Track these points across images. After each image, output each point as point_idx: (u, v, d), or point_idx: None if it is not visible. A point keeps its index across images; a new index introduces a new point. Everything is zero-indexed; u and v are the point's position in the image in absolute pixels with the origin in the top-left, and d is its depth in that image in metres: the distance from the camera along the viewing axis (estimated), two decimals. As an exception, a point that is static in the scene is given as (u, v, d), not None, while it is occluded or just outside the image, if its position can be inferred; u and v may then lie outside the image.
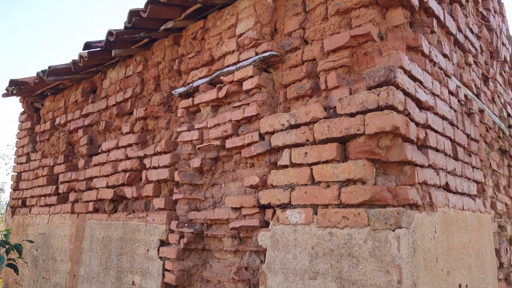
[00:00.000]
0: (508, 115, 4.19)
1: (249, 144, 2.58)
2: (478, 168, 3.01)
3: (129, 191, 3.34)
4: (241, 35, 2.79)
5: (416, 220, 2.00)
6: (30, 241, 4.11)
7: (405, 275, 1.85)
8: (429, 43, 2.41)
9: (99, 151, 3.82)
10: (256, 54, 2.63)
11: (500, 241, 3.49)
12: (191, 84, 3.05)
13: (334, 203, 2.09)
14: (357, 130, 2.02)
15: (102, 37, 3.46)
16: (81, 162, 3.98)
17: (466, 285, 2.53)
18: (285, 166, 2.35)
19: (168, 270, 2.86)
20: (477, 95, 3.20)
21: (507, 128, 4.13)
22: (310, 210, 2.18)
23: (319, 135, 2.17)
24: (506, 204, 3.79)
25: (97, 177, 3.70)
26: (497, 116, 3.72)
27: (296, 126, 2.31)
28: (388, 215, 1.90)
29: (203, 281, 2.80)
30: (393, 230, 1.88)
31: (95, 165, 3.79)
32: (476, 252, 2.76)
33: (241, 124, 2.70)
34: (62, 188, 4.15)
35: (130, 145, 3.45)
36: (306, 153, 2.23)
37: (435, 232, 2.21)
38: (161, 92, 3.41)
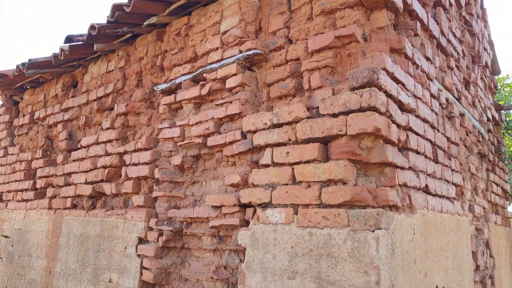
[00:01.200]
0: (488, 119, 4.26)
1: (231, 143, 2.55)
2: (457, 171, 3.05)
3: (108, 188, 3.27)
4: (225, 32, 2.76)
5: (395, 222, 2.01)
6: (6, 237, 3.99)
7: (384, 276, 1.86)
8: (412, 45, 2.43)
9: (79, 146, 3.74)
10: (240, 52, 2.61)
11: (477, 244, 3.55)
12: (173, 81, 3.01)
13: (314, 203, 2.08)
14: (339, 131, 2.02)
15: (85, 31, 3.39)
16: (59, 157, 3.89)
17: (443, 287, 2.56)
18: (267, 165, 2.33)
19: (146, 268, 2.81)
20: (458, 99, 3.24)
21: (487, 133, 4.21)
22: (290, 210, 2.17)
23: (301, 134, 2.16)
24: (483, 208, 3.86)
25: (75, 172, 3.62)
26: (477, 121, 3.78)
27: (279, 125, 2.30)
28: (368, 216, 1.91)
29: (181, 280, 2.76)
30: (373, 231, 1.88)
31: (74, 160, 3.71)
32: (453, 254, 2.79)
33: (224, 122, 2.67)
34: (40, 183, 4.05)
35: (110, 141, 3.39)
36: (288, 152, 2.22)
37: (414, 233, 2.22)
38: (143, 88, 3.35)
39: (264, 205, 2.31)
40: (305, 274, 2.05)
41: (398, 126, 2.18)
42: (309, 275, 2.03)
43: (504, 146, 4.92)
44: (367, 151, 2.04)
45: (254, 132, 2.41)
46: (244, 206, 2.46)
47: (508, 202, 5.06)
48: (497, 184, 4.48)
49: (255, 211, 2.37)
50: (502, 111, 5.04)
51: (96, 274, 3.17)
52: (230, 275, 2.48)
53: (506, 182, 5.05)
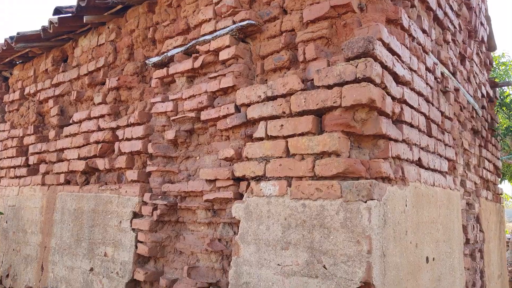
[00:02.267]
0: (482, 95, 4.27)
1: (224, 116, 2.53)
2: (450, 146, 3.06)
3: (101, 163, 3.26)
4: (218, 2, 2.70)
5: (388, 193, 2.03)
6: (0, 213, 4.00)
7: (375, 245, 1.88)
8: (408, 17, 2.40)
9: (71, 122, 3.70)
10: (234, 23, 2.56)
11: (468, 218, 3.61)
12: (165, 54, 2.95)
13: (308, 175, 2.08)
14: (334, 103, 2.01)
15: (74, 2, 3.30)
16: (51, 133, 3.85)
17: (433, 258, 2.61)
18: (261, 139, 2.32)
19: (141, 242, 2.83)
20: (453, 74, 3.23)
21: (481, 109, 4.22)
22: (284, 182, 2.18)
23: (295, 107, 2.15)
24: (475, 183, 3.90)
25: (68, 148, 3.60)
26: (471, 96, 3.78)
27: (273, 98, 2.28)
28: (360, 187, 1.92)
29: (176, 253, 2.79)
30: (365, 202, 1.90)
31: (66, 136, 3.67)
32: (444, 227, 2.83)
33: (217, 95, 2.64)
34: (32, 159, 4.02)
35: (102, 116, 3.35)
36: (282, 125, 2.21)
37: (406, 205, 2.24)
38: (134, 61, 3.30)
39: (258, 178, 2.31)
40: (298, 245, 2.07)
41: (393, 98, 2.17)
42: (302, 245, 2.06)
43: (497, 123, 4.95)
44: (361, 123, 2.03)
45: (248, 105, 2.39)
46: (238, 180, 2.46)
47: (499, 179, 5.12)
48: (489, 161, 4.53)
49: (249, 184, 2.37)
50: (497, 88, 5.04)
51: (91, 248, 3.19)
52: (225, 247, 2.50)
53: (498, 159, 5.10)
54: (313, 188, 2.06)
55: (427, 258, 2.49)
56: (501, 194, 5.15)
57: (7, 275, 4.10)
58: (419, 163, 2.50)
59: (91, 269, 3.14)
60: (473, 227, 3.66)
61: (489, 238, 4.23)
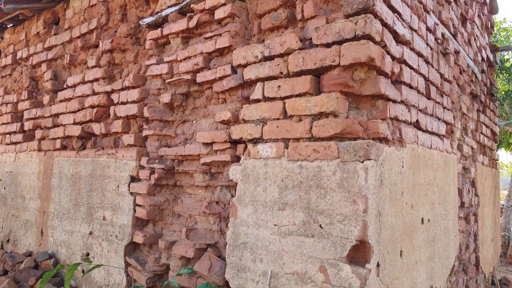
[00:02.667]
0: (482, 59, 4.21)
1: (221, 78, 2.49)
2: (449, 109, 3.04)
3: (97, 128, 3.23)
4: (213, -41, 2.59)
5: (385, 154, 2.02)
6: (-3, 180, 4.01)
7: (371, 205, 1.90)
8: (410, -27, 2.32)
9: (65, 86, 3.64)
10: (230, -20, 2.47)
11: (464, 182, 3.64)
12: (159, 14, 2.87)
13: (305, 136, 2.07)
14: (332, 61, 1.96)
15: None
16: (46, 98, 3.79)
17: (428, 220, 2.64)
18: (258, 101, 2.29)
19: (139, 205, 2.85)
20: (454, 35, 3.16)
21: (480, 73, 4.17)
22: (281, 144, 2.16)
23: (293, 67, 2.10)
24: (472, 148, 3.91)
25: (63, 113, 3.56)
26: (471, 60, 3.73)
27: (270, 58, 2.23)
28: (358, 147, 1.91)
29: (174, 216, 2.81)
30: (362, 162, 1.89)
31: (61, 101, 3.62)
32: (440, 189, 2.86)
33: (213, 57, 2.59)
34: (28, 125, 3.98)
35: (96, 80, 3.29)
36: (279, 86, 2.17)
37: (403, 167, 2.25)
38: (128, 23, 3.21)
39: (255, 141, 2.30)
40: (295, 205, 2.09)
41: (392, 58, 2.13)
42: (299, 205, 2.07)
43: (496, 89, 4.91)
44: (359, 83, 2.00)
45: (245, 66, 2.34)
46: (235, 143, 2.45)
47: (496, 144, 5.14)
48: (486, 126, 4.52)
49: (246, 147, 2.36)
50: (497, 53, 4.97)
51: (90, 212, 3.21)
52: (222, 210, 2.52)
53: (496, 124, 5.10)
54: (310, 149, 2.05)
55: (422, 219, 2.53)
56: (497, 159, 5.18)
57: (8, 240, 4.15)
58: (417, 125, 2.49)
59: (91, 233, 3.18)
60: (469, 191, 3.70)
61: (484, 202, 4.28)
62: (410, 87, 2.35)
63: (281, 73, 2.16)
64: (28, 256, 3.54)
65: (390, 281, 2.07)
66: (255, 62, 2.28)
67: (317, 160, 2.03)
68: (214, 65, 2.56)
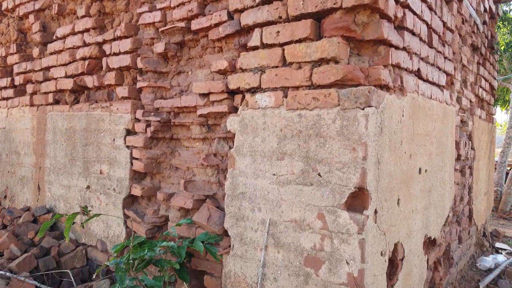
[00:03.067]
0: (485, 10, 4.08)
1: (216, 25, 2.39)
2: (449, 60, 2.98)
3: (90, 80, 3.14)
4: None
5: (385, 101, 1.99)
6: (-10, 136, 3.95)
7: (370, 152, 1.88)
8: None
9: (54, 38, 3.50)
10: None
11: (461, 135, 3.64)
12: (151, -43, 2.71)
13: (305, 84, 2.02)
14: (334, 4, 1.88)
15: None
16: (35, 51, 3.67)
17: (426, 170, 2.65)
18: (256, 48, 2.22)
19: (136, 159, 2.83)
20: (459, -18, 3.04)
21: (482, 24, 4.06)
22: (280, 93, 2.12)
23: (293, 10, 2.02)
24: (470, 101, 3.88)
25: (54, 66, 3.45)
26: (474, 9, 3.61)
27: (269, 1, 2.13)
28: (358, 94, 1.87)
29: (172, 169, 2.80)
30: (363, 109, 1.86)
31: (51, 53, 3.50)
32: (438, 141, 2.85)
33: (208, 2, 2.47)
34: (18, 80, 3.88)
35: (87, 30, 3.17)
36: (278, 32, 2.09)
37: (403, 116, 2.22)
38: (118, -32, 3.04)
39: (253, 90, 2.25)
40: (293, 155, 2.07)
41: (396, 1, 2.04)
42: (298, 155, 2.06)
43: (497, 42, 4.81)
44: (362, 27, 1.93)
45: (242, 11, 2.24)
46: (232, 93, 2.40)
47: (494, 99, 5.11)
48: (486, 79, 4.47)
49: (243, 97, 2.31)
50: (499, 4, 4.83)
51: (87, 167, 3.19)
52: (220, 162, 2.51)
53: (495, 78, 5.05)
54: (309, 97, 2.01)
55: (419, 169, 2.53)
56: (494, 114, 5.18)
57: (5, 197, 4.16)
58: (418, 74, 2.44)
59: (88, 187, 3.18)
60: (465, 144, 3.71)
61: (479, 156, 4.31)
62: (413, 33, 2.27)
63: (280, 17, 2.08)
64: (26, 211, 3.56)
65: (387, 228, 2.10)
66: (252, 7, 2.18)
67: (317, 109, 1.99)
68: (210, 11, 2.45)
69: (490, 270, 3.95)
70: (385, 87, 2.03)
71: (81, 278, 3.06)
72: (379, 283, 2.04)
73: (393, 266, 2.29)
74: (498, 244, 4.74)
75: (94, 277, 2.50)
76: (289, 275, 2.08)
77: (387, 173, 2.08)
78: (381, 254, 2.05)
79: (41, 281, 2.91)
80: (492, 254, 4.36)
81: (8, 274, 2.79)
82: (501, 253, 4.41)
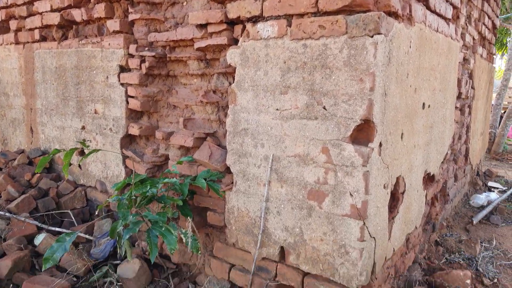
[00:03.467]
0: None
1: None
2: (457, -9, 2.84)
3: (78, 14, 2.95)
4: None
5: (394, 30, 1.89)
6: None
7: (378, 83, 1.82)
8: None
9: (36, -32, 3.25)
10: None
11: (463, 73, 3.57)
12: None
13: (310, 11, 1.90)
14: None
15: None
16: (16, -16, 3.42)
17: (429, 105, 2.61)
18: (257, -27, 2.06)
19: (132, 97, 2.74)
20: None
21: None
22: (283, 22, 2.00)
23: None
24: (473, 38, 3.77)
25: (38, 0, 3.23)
26: None
27: None
28: (368, 20, 1.76)
29: (170, 107, 2.72)
30: (371, 37, 1.77)
31: (33, -14, 3.27)
32: (442, 76, 2.78)
33: None
34: (0, 15, 3.64)
35: (71, -42, 2.92)
36: (281, -46, 1.93)
37: (410, 47, 2.13)
38: None
39: (254, 19, 2.12)
40: (297, 88, 2.00)
41: None
42: (302, 88, 1.98)
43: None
44: None
45: None
46: (231, 24, 2.27)
47: (495, 38, 4.99)
48: (489, 17, 4.32)
49: (244, 27, 2.19)
50: None
51: (80, 107, 3.10)
52: (220, 99, 2.43)
53: (497, 16, 4.89)
54: (315, 25, 1.90)
55: (423, 104, 2.49)
56: (495, 54, 5.08)
57: (-2, 140, 4.08)
58: (426, 4, 2.31)
59: (83, 128, 3.10)
60: (466, 82, 3.65)
61: (478, 96, 4.28)
62: (425, -43, 2.12)
63: None
64: (20, 154, 3.50)
65: (390, 162, 2.09)
66: None
67: (323, 38, 1.89)
68: None
69: (482, 207, 4.07)
70: (393, 15, 1.93)
71: (82, 218, 3.08)
72: (381, 215, 2.07)
73: (394, 199, 2.31)
74: (490, 183, 4.85)
75: (96, 213, 2.50)
76: (292, 209, 2.09)
77: (393, 106, 2.03)
78: (384, 187, 2.06)
79: (42, 221, 2.92)
80: (485, 192, 4.47)
81: (7, 214, 2.79)
82: (494, 191, 4.52)
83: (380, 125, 1.90)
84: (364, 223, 1.90)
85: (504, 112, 7.18)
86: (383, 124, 1.94)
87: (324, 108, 1.93)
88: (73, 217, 2.94)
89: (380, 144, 1.95)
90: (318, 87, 1.93)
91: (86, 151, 3.02)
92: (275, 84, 2.07)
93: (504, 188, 4.68)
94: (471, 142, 4.17)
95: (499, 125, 7.00)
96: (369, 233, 1.94)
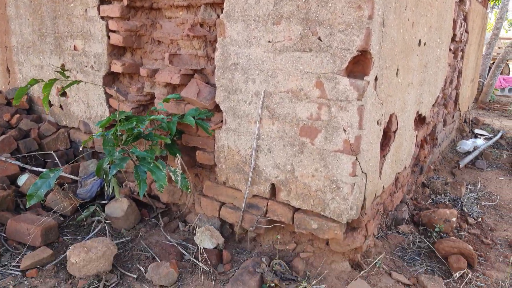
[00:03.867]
0: None
1: None
2: None
3: None
4: None
5: (397, -47, 1.76)
6: None
7: (377, 11, 1.72)
8: None
9: None
10: None
11: (458, 14, 3.46)
12: None
13: None
14: None
15: None
16: None
17: (425, 43, 2.53)
18: None
19: (113, 31, 2.57)
20: None
21: None
22: None
23: None
24: (471, -22, 3.63)
25: None
26: None
27: None
28: None
29: (154, 43, 2.57)
30: (373, -42, 1.64)
31: None
32: (438, 13, 2.68)
33: None
34: None
35: None
36: None
37: (411, -25, 2.01)
38: None
39: None
40: (291, 17, 1.88)
41: None
42: (296, 17, 1.87)
43: None
44: None
45: None
46: None
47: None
48: (488, -44, 4.14)
49: (233, -49, 2.02)
50: None
51: (59, 43, 2.91)
52: (208, 33, 2.29)
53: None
54: None
55: (419, 41, 2.40)
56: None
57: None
58: None
59: (63, 66, 2.94)
60: (461, 24, 3.55)
61: (471, 41, 4.19)
62: None
63: None
64: (-2, 95, 3.33)
65: (385, 98, 2.03)
66: None
67: (320, -40, 1.75)
68: None
69: (468, 153, 4.12)
70: None
71: (66, 160, 3.00)
72: (374, 151, 2.04)
73: (386, 137, 2.28)
74: (477, 130, 4.89)
75: (81, 149, 2.42)
76: (284, 146, 2.05)
77: (390, 38, 1.94)
78: (378, 123, 2.02)
79: (24, 162, 2.84)
80: (472, 138, 4.52)
81: (-12, 155, 2.69)
82: (480, 138, 4.57)
83: (377, 58, 1.82)
84: (357, 158, 1.87)
85: (493, 63, 7.14)
86: (380, 57, 1.86)
87: (319, 39, 1.83)
88: (56, 158, 2.85)
89: (376, 78, 1.88)
90: (314, 15, 1.82)
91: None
92: (267, 14, 1.95)
93: (490, 135, 4.73)
94: (461, 88, 4.14)
95: (487, 75, 6.98)
96: (361, 169, 1.92)
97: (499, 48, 9.65)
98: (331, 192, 1.95)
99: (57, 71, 1.96)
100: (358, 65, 1.84)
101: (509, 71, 9.63)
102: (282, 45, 1.94)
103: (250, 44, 2.04)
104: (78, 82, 1.95)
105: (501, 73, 8.62)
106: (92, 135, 2.25)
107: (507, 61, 8.58)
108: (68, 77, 1.98)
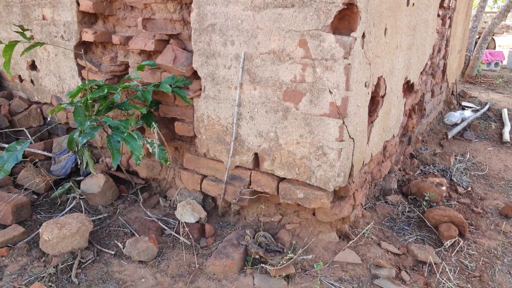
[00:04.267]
0: None
1: None
2: None
3: None
4: None
5: None
6: None
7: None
8: None
9: None
10: None
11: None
12: None
13: None
14: None
15: None
16: None
17: (413, 4, 2.41)
18: None
19: (83, -4, 2.39)
20: None
21: None
22: None
23: None
24: None
25: None
26: None
27: None
28: None
29: (126, 9, 2.40)
30: None
31: None
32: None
33: None
34: None
35: None
36: None
37: None
38: None
39: None
40: (271, -29, 1.74)
41: None
42: (277, -30, 1.73)
43: None
44: None
45: None
46: None
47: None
48: None
49: None
50: None
51: (26, 13, 2.72)
52: (183, -6, 2.14)
53: None
54: None
55: (408, 0, 2.29)
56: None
57: None
58: None
59: (32, 37, 2.75)
60: (450, -10, 3.44)
61: (459, 9, 4.09)
62: None
63: None
64: (-35, 72, 3.13)
65: (372, 58, 1.92)
66: None
67: None
68: None
69: (456, 125, 4.06)
70: None
71: (39, 137, 2.84)
72: (361, 115, 1.94)
73: (374, 103, 2.18)
74: (464, 103, 4.84)
75: (48, 119, 2.27)
76: (266, 112, 1.93)
77: (378, -6, 1.82)
78: (365, 85, 1.91)
79: (-5, 140, 2.67)
80: (459, 110, 4.46)
81: (-47, 133, 2.52)
82: (467, 110, 4.51)
83: (364, 12, 1.70)
84: (344, 122, 1.76)
85: (479, 38, 7.06)
86: (367, 12, 1.74)
87: (302, -7, 1.70)
88: (29, 135, 2.70)
89: (364, 36, 1.76)
90: (295, -32, 1.68)
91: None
92: (245, -31, 1.80)
93: (477, 108, 4.68)
94: (449, 58, 4.06)
95: (474, 49, 6.92)
96: (348, 133, 1.82)
97: (485, 22, 9.58)
98: (317, 159, 1.85)
99: (17, 32, 1.79)
100: (344, 21, 1.72)
101: (495, 45, 9.59)
102: (262, 1, 1.81)
103: (228, 2, 1.90)
104: (41, 44, 1.79)
105: (487, 48, 8.57)
106: (60, 103, 2.10)
107: (493, 34, 8.54)
108: (30, 38, 1.81)
